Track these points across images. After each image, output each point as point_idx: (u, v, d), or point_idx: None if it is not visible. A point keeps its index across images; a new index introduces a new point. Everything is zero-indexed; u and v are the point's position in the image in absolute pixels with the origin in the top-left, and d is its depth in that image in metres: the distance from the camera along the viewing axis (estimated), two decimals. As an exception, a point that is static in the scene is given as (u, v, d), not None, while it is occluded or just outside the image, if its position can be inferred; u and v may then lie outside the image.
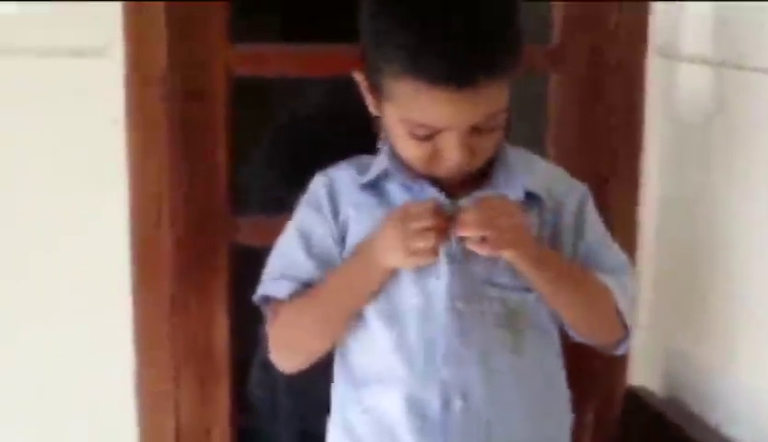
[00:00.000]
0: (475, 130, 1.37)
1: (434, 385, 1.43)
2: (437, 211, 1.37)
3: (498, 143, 1.44)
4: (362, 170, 1.50)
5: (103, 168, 1.74)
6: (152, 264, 1.78)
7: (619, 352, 1.54)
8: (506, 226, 1.36)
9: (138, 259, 1.78)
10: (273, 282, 1.50)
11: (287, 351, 1.52)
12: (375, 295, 1.44)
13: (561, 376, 1.54)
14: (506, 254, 1.38)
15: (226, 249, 1.82)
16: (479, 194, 1.42)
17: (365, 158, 1.52)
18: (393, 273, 1.43)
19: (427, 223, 1.35)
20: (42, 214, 1.74)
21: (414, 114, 1.36)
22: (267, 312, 1.52)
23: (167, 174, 1.76)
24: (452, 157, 1.37)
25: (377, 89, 1.41)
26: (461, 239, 1.38)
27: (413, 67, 1.33)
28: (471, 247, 1.37)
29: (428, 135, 1.37)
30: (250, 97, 1.87)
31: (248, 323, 1.85)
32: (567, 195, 1.50)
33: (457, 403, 1.43)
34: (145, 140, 1.74)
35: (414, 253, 1.36)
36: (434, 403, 1.43)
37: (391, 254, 1.38)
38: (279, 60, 1.85)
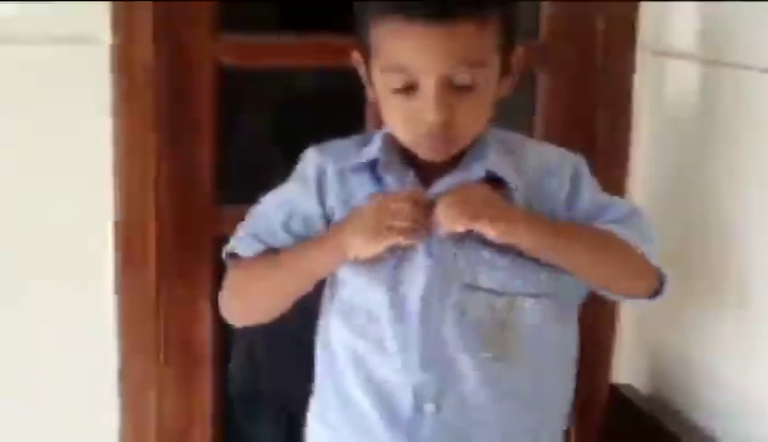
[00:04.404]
0: (453, 85, 1.35)
1: (407, 386, 1.43)
2: (414, 198, 1.37)
3: (481, 120, 1.42)
4: (358, 151, 1.48)
5: (88, 162, 1.73)
6: (136, 258, 1.78)
7: (663, 296, 1.50)
8: (483, 205, 1.37)
9: (123, 253, 1.77)
10: (244, 243, 1.51)
11: (237, 305, 1.54)
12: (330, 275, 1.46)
13: (555, 377, 1.51)
14: (500, 228, 1.37)
15: (211, 243, 1.81)
16: (437, 190, 1.41)
17: (368, 138, 1.50)
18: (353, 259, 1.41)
19: (402, 205, 1.36)
20: (26, 205, 1.73)
21: (392, 56, 1.36)
22: (230, 265, 1.53)
23: (152, 168, 1.75)
24: (430, 110, 1.35)
25: (367, 56, 1.41)
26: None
27: (392, 6, 1.34)
28: (459, 228, 1.36)
29: (407, 86, 1.36)
30: (239, 80, 1.86)
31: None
32: (557, 183, 1.46)
33: (428, 407, 1.43)
34: (130, 133, 1.73)
35: (380, 233, 1.35)
36: (405, 404, 1.43)
37: (359, 235, 1.37)
38: (268, 51, 1.84)
